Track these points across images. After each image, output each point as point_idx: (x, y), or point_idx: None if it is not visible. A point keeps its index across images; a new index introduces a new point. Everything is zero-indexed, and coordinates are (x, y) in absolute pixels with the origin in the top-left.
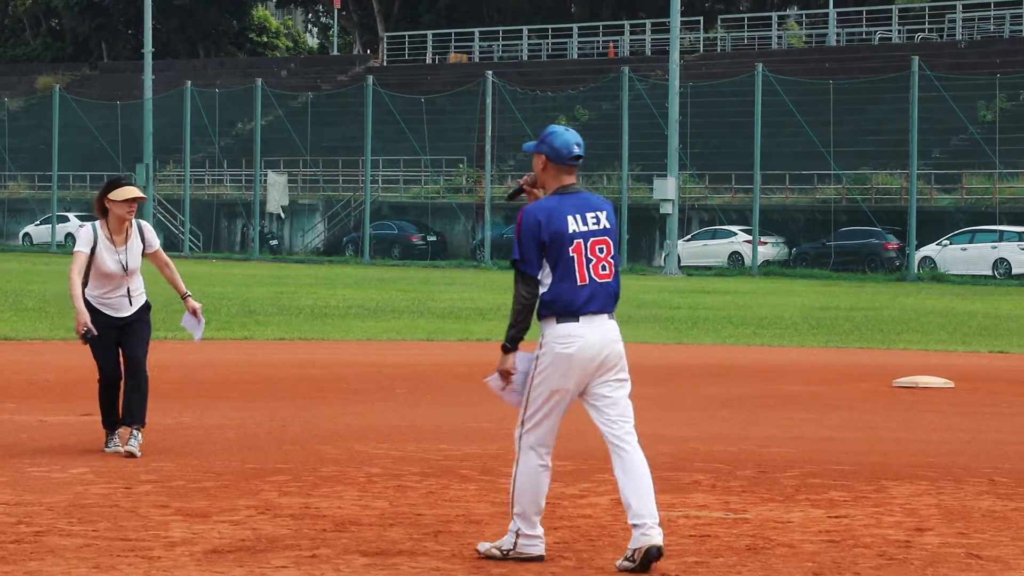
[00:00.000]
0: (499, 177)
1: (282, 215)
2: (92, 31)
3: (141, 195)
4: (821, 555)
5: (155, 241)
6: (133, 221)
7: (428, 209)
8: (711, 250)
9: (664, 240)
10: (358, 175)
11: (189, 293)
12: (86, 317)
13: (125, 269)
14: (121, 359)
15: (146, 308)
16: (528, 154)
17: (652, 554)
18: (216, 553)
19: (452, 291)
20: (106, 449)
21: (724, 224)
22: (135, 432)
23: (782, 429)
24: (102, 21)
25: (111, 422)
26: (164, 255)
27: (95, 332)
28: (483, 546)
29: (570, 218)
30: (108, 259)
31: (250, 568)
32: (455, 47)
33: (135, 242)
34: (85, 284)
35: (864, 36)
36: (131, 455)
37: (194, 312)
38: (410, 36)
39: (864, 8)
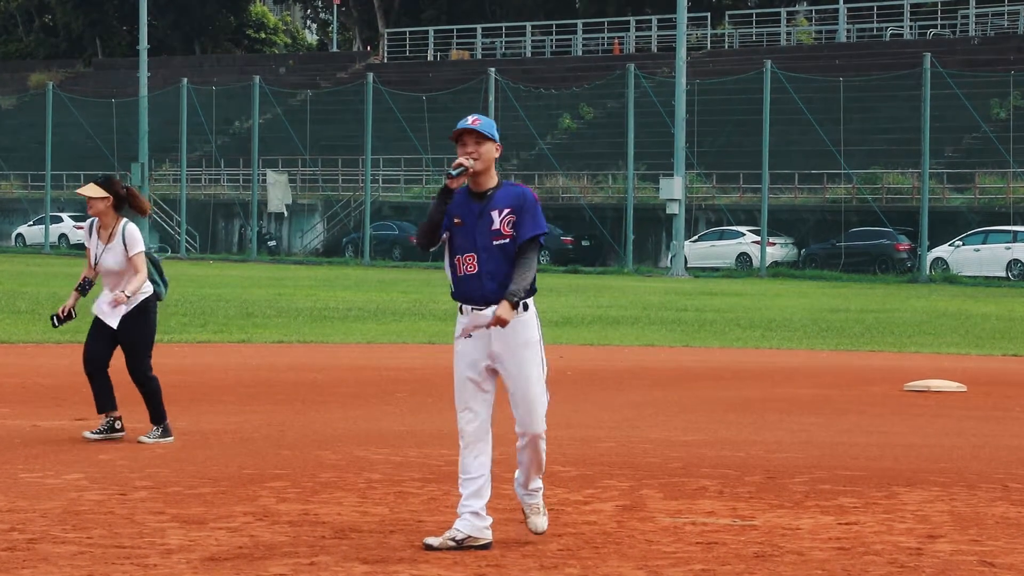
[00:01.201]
0: (502, 176)
1: (285, 213)
2: (86, 27)
3: (86, 193)
4: (831, 563)
5: (133, 247)
6: (122, 222)
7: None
8: (718, 251)
9: (670, 241)
10: (358, 174)
11: (128, 293)
12: (66, 304)
13: (96, 265)
14: (111, 353)
15: (139, 311)
16: (486, 142)
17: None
18: (213, 560)
19: None
20: (83, 434)
21: (732, 224)
22: (155, 428)
23: (791, 434)
24: (96, 17)
25: (98, 406)
26: (139, 263)
27: (56, 321)
28: (539, 522)
29: None
30: (92, 252)
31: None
32: (457, 44)
33: (118, 243)
34: None
35: (875, 32)
36: (140, 442)
37: (120, 300)
38: (411, 32)
39: (875, 4)
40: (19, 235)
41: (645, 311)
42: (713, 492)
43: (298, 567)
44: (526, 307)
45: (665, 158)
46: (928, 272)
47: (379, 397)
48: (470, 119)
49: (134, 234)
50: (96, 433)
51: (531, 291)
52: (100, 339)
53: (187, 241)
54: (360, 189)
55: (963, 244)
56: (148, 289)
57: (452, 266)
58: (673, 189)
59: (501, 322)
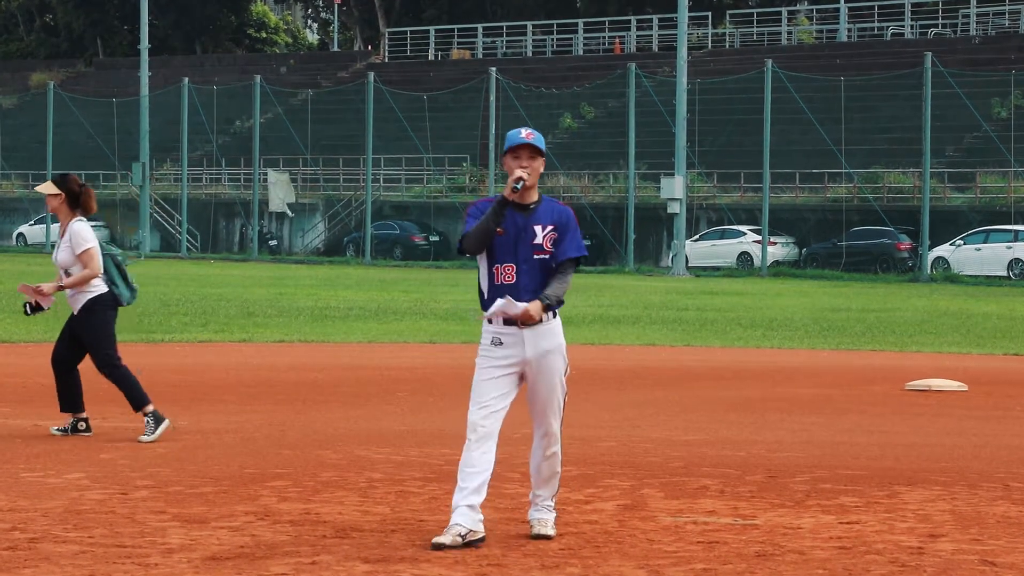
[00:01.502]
0: (503, 176)
1: (289, 212)
2: (87, 27)
3: (42, 190)
4: (832, 562)
5: (79, 246)
6: (73, 219)
7: (431, 209)
8: (719, 250)
9: (671, 240)
10: (359, 174)
11: (60, 285)
12: (37, 289)
13: (55, 260)
14: (78, 353)
15: (86, 310)
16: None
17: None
18: (215, 560)
19: (455, 292)
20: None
21: (733, 224)
22: (146, 421)
23: (792, 433)
24: (97, 16)
25: (60, 405)
26: (87, 259)
27: (28, 309)
28: (547, 531)
29: None
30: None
31: (249, 575)
32: (458, 43)
33: (67, 239)
34: None
35: (876, 32)
36: (140, 442)
37: (39, 289)
38: (412, 32)
39: (876, 3)
40: (20, 234)
41: (646, 310)
42: (714, 491)
43: (300, 566)
44: (555, 314)
45: (666, 157)
46: (929, 271)
47: (380, 396)
48: (523, 132)
49: (80, 232)
50: (60, 430)
51: (560, 303)
52: (68, 339)
53: (188, 240)
54: (361, 188)
55: (964, 243)
56: (98, 288)
57: (489, 274)
58: (674, 188)
59: (528, 316)
